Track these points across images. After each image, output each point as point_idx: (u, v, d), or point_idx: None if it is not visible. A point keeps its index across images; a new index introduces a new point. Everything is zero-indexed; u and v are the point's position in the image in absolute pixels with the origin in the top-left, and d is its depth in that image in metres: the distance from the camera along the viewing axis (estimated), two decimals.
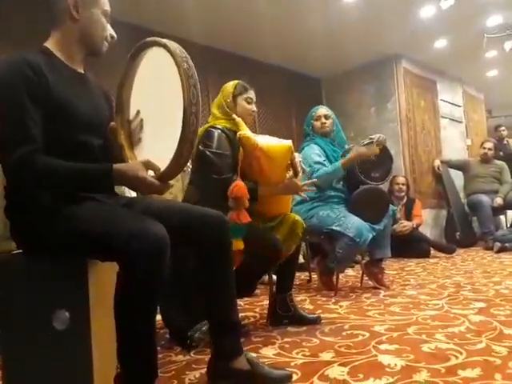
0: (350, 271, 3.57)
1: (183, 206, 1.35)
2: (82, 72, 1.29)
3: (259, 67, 4.83)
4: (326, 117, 2.70)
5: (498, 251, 4.19)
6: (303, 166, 1.98)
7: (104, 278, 1.13)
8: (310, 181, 2.08)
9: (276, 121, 5.08)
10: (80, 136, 1.20)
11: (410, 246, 4.25)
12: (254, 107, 1.96)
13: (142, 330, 0.99)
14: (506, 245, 4.24)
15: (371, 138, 2.49)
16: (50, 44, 1.22)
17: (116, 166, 1.07)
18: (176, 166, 1.07)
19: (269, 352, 1.56)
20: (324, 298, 2.51)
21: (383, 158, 2.55)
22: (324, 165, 2.59)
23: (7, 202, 1.17)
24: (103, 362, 1.11)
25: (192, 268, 1.33)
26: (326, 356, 1.47)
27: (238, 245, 1.62)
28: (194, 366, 1.46)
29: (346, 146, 2.74)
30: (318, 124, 2.72)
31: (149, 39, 1.20)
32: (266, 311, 2.08)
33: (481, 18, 4.13)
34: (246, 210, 1.69)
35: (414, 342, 1.55)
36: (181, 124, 1.04)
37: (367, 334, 1.69)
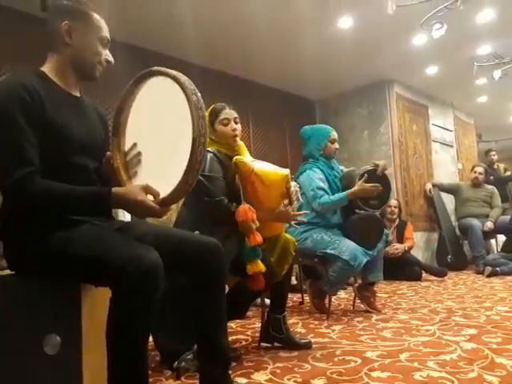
0: (342, 294, 3.56)
1: (178, 232, 1.35)
2: (78, 95, 1.30)
3: (254, 88, 4.89)
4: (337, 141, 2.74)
5: (489, 275, 4.22)
6: (299, 196, 2.00)
7: (97, 304, 1.13)
8: (303, 212, 2.11)
9: (269, 142, 5.10)
10: (76, 159, 1.21)
11: (402, 269, 4.26)
12: (233, 125, 1.89)
13: (135, 356, 0.98)
14: (497, 269, 4.26)
15: (376, 164, 2.54)
16: (45, 68, 1.24)
17: (115, 189, 1.08)
18: (180, 192, 1.09)
19: (260, 378, 1.54)
20: (316, 322, 2.50)
21: (382, 187, 2.57)
22: (327, 191, 2.61)
23: (2, 222, 1.16)
24: None
25: (182, 293, 1.33)
26: (318, 383, 1.46)
27: (260, 266, 1.65)
28: None
29: (342, 168, 2.77)
30: (333, 147, 2.72)
31: (156, 68, 1.22)
32: (257, 334, 2.07)
33: (470, 47, 4.25)
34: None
35: (405, 370, 1.54)
36: (186, 153, 1.07)
37: (359, 361, 1.68)
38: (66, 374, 1.06)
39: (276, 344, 1.97)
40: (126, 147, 1.26)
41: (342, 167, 2.88)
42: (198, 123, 1.07)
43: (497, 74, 4.38)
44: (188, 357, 1.59)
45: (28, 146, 1.07)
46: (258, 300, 2.38)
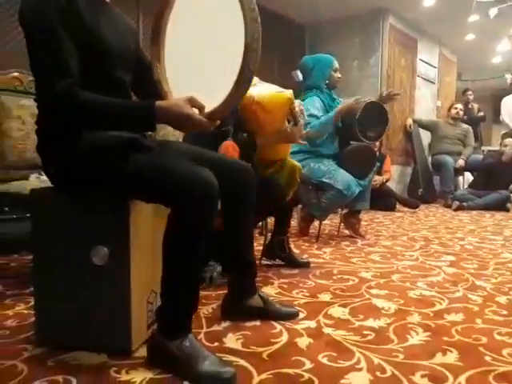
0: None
1: (212, 154, 1.37)
2: (108, 1, 1.22)
3: None
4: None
5: (456, 209, 4.56)
6: (304, 114, 2.01)
7: (144, 217, 1.18)
8: (308, 130, 2.13)
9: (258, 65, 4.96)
10: (114, 72, 1.17)
11: (378, 200, 4.49)
12: None
13: (190, 269, 1.06)
14: (464, 204, 4.61)
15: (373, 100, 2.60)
16: None
17: (158, 102, 1.04)
18: (229, 104, 1.04)
19: (270, 291, 1.69)
20: (307, 244, 2.67)
21: (380, 119, 2.64)
22: (318, 118, 2.65)
23: (41, 137, 1.14)
24: (141, 298, 1.19)
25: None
26: (325, 297, 1.62)
27: None
28: (204, 301, 1.56)
29: (341, 100, 2.80)
30: (336, 75, 2.74)
31: None
32: (258, 254, 2.21)
33: None
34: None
35: (400, 289, 1.73)
36: (237, 61, 0.99)
37: (356, 279, 1.86)
38: (114, 285, 1.13)
39: (276, 262, 2.12)
40: (167, 57, 1.20)
41: (341, 99, 2.90)
42: (251, 26, 0.99)
43: (493, 11, 4.35)
44: (218, 268, 1.71)
45: (67, 55, 1.02)
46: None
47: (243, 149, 1.76)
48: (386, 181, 4.60)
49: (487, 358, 1.12)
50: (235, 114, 1.81)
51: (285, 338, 1.26)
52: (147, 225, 1.20)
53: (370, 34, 5.16)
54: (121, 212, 1.12)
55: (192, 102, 1.05)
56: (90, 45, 1.09)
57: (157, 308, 1.11)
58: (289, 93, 1.86)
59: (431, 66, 6.16)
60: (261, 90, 1.87)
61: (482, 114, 6.41)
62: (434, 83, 6.29)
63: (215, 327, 1.33)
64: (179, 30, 1.19)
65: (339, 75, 2.75)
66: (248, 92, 1.80)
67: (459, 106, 5.48)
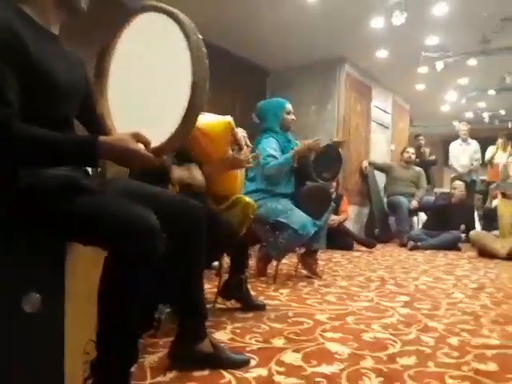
0: (283, 260, 3.74)
1: (158, 191, 1.33)
2: (57, 34, 1.19)
3: (207, 48, 4.75)
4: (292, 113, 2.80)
5: (411, 249, 4.68)
6: (247, 141, 1.99)
7: (82, 261, 1.10)
8: (254, 154, 2.10)
9: (218, 107, 5.03)
10: (59, 108, 1.12)
11: (336, 239, 4.55)
12: None
13: (128, 315, 0.99)
14: (419, 244, 4.75)
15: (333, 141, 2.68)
16: (22, 2, 1.10)
17: (103, 137, 0.99)
18: (176, 141, 1.02)
19: (222, 337, 1.61)
20: (264, 285, 2.62)
21: (335, 161, 2.72)
22: (276, 158, 2.69)
23: None
24: (76, 348, 1.09)
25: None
26: (278, 342, 1.57)
27: None
28: (149, 349, 1.47)
29: (297, 142, 2.86)
30: (289, 118, 2.79)
31: (148, 3, 1.11)
32: (212, 296, 2.13)
33: (421, 36, 4.49)
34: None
35: (354, 332, 1.71)
36: (183, 98, 0.99)
37: (311, 322, 1.82)
38: (46, 333, 1.04)
39: (230, 305, 2.06)
40: (111, 91, 1.17)
41: (297, 141, 2.97)
42: (198, 65, 1.00)
43: (439, 65, 4.68)
44: (166, 310, 1.62)
45: (6, 86, 0.97)
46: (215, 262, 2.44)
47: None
48: (343, 220, 4.69)
49: None
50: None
51: None
52: (84, 269, 1.12)
53: (327, 81, 5.41)
54: (55, 255, 1.04)
55: (137, 137, 1.00)
56: (36, 80, 1.04)
57: (92, 360, 1.02)
58: (228, 118, 1.88)
59: (385, 112, 6.49)
60: (201, 118, 1.88)
61: (433, 157, 6.75)
62: (388, 128, 6.61)
63: (160, 378, 1.24)
64: (125, 66, 1.17)
65: (293, 117, 2.81)
66: None
67: (411, 150, 5.77)
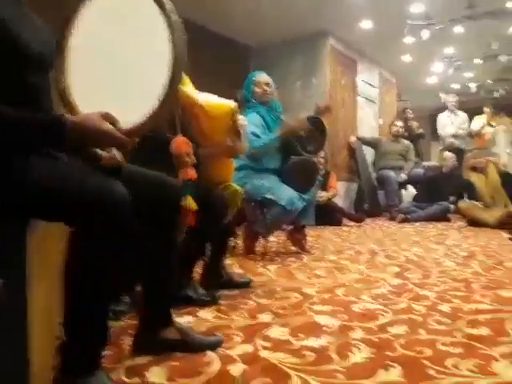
0: (271, 237, 3.68)
1: (135, 169, 1.23)
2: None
3: (189, 27, 4.60)
4: (268, 84, 2.67)
5: (401, 221, 4.65)
6: (247, 131, 1.95)
7: (48, 241, 1.01)
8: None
9: (203, 87, 4.92)
10: (30, 76, 0.97)
11: (325, 215, 4.50)
12: None
13: (97, 293, 0.91)
14: (408, 216, 4.72)
15: (318, 107, 2.58)
16: None
17: (69, 116, 0.91)
18: (150, 122, 0.95)
19: (207, 315, 1.55)
20: (252, 262, 2.56)
21: (319, 133, 2.63)
22: (259, 136, 2.59)
23: None
24: (44, 333, 1.01)
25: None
26: (265, 318, 1.50)
27: (189, 204, 1.55)
28: (129, 331, 1.40)
29: (283, 118, 2.77)
30: (258, 91, 2.67)
31: None
32: (198, 275, 2.06)
33: (406, 4, 4.37)
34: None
35: (344, 303, 1.65)
36: (160, 77, 0.93)
37: (300, 296, 1.77)
38: (8, 318, 0.95)
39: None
40: (75, 67, 1.07)
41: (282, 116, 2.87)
42: (177, 40, 0.93)
43: (425, 33, 4.58)
44: (125, 300, 1.54)
45: None
46: None
47: None
48: (332, 197, 4.64)
49: (431, 372, 1.05)
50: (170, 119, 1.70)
51: (216, 366, 1.12)
52: (49, 248, 1.04)
53: (311, 56, 5.28)
54: (15, 234, 0.95)
55: (107, 117, 0.91)
56: (4, 46, 0.92)
57: (59, 344, 0.94)
58: (233, 103, 1.80)
59: (372, 86, 6.39)
60: (204, 96, 1.80)
61: (421, 131, 6.72)
62: (375, 103, 6.52)
63: (139, 360, 1.17)
64: (92, 41, 1.07)
65: (264, 88, 2.68)
66: (191, 94, 1.73)
67: (399, 123, 5.71)
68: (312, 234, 3.82)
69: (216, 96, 1.85)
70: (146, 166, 1.22)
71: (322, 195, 4.49)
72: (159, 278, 1.23)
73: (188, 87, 1.79)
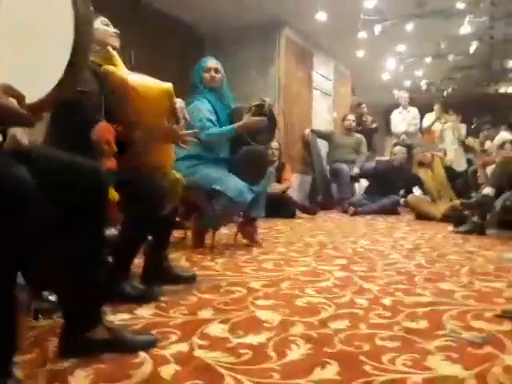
0: (222, 229, 3.62)
1: (49, 152, 1.12)
2: None
3: (142, 8, 4.40)
4: (216, 70, 2.59)
5: (353, 214, 4.73)
6: (186, 116, 1.85)
7: None
8: (192, 131, 1.94)
9: (154, 72, 4.74)
10: None
11: (279, 208, 4.50)
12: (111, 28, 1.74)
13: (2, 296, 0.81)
14: (359, 209, 4.81)
15: (264, 101, 2.51)
16: None
17: None
18: (55, 97, 0.87)
19: (144, 313, 1.47)
20: (200, 255, 2.49)
21: (269, 122, 2.58)
22: (214, 124, 2.51)
23: None
24: None
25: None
26: (205, 314, 1.45)
27: (112, 194, 1.44)
28: (58, 330, 1.29)
29: (232, 105, 2.69)
30: (207, 76, 2.59)
31: None
32: (139, 270, 1.97)
33: None
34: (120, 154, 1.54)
35: (288, 297, 1.62)
36: (65, 46, 0.85)
37: (244, 291, 1.72)
38: None
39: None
40: None
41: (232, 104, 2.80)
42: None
43: (377, 28, 4.64)
44: (49, 297, 1.42)
45: None
46: None
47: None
48: (286, 189, 4.63)
49: (367, 368, 1.03)
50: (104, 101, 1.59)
51: (147, 367, 1.05)
52: None
53: (267, 46, 5.23)
54: None
55: (8, 90, 0.81)
56: None
57: None
58: (168, 85, 1.71)
59: (327, 79, 6.44)
60: (138, 77, 1.70)
61: (375, 125, 6.85)
62: (329, 95, 6.58)
63: (66, 363, 1.07)
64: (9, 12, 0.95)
65: (213, 74, 2.60)
66: (117, 73, 1.63)
67: (351, 117, 5.80)
68: (264, 227, 3.80)
69: (150, 78, 1.75)
70: (71, 151, 1.11)
71: (276, 187, 4.47)
72: (83, 273, 1.13)
73: (120, 68, 1.69)
